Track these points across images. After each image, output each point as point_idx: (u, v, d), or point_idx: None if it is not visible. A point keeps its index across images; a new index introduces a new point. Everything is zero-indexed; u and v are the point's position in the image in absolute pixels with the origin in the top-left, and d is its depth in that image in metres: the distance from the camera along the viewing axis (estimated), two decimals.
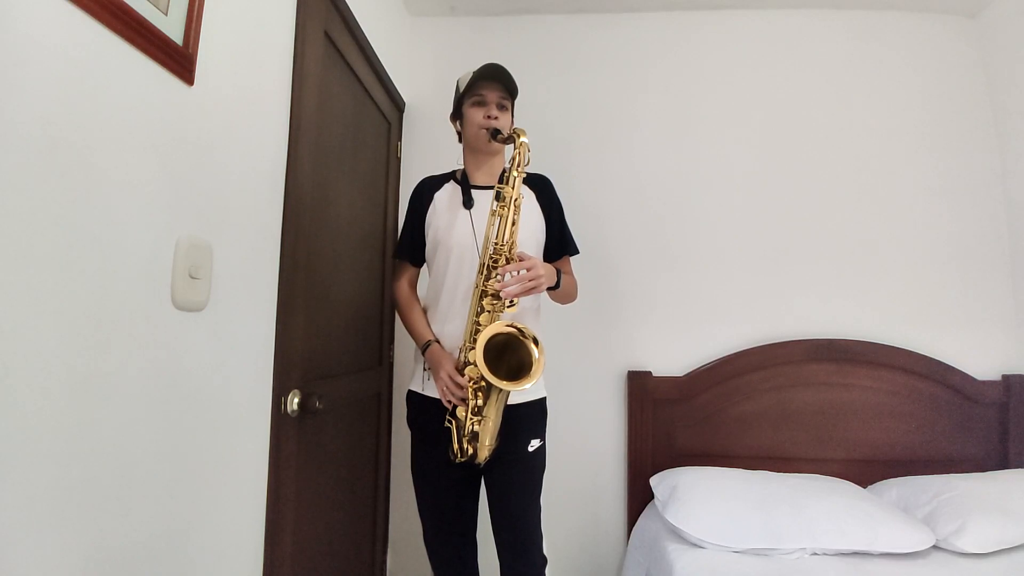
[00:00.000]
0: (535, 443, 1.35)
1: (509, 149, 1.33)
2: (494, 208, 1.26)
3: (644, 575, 1.65)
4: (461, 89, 1.39)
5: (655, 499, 1.79)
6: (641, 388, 1.98)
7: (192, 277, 0.86)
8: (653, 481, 1.85)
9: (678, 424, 1.97)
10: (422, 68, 2.19)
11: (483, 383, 1.20)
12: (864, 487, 1.81)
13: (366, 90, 1.71)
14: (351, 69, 1.57)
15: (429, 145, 2.13)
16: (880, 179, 2.07)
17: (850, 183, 2.07)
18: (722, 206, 2.09)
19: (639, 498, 1.93)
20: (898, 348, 1.96)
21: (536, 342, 1.20)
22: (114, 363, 0.72)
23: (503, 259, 1.23)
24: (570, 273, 1.48)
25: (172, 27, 0.81)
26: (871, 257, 2.04)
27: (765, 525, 1.50)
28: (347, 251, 1.56)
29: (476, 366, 1.16)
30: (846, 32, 2.14)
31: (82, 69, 0.66)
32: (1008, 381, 1.94)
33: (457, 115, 1.44)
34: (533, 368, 1.17)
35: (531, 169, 1.35)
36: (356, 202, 1.63)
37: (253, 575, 1.07)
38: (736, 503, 1.58)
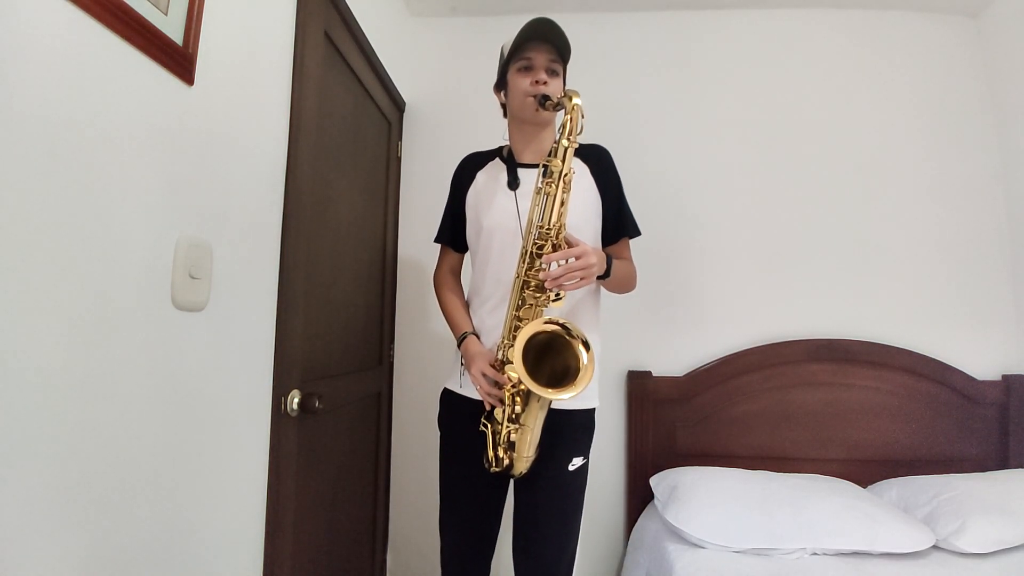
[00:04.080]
0: (577, 461, 1.17)
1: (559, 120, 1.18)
2: (539, 185, 1.09)
3: (644, 575, 1.65)
4: (505, 54, 1.22)
5: (655, 499, 1.79)
6: (641, 388, 1.98)
7: (192, 277, 0.86)
8: (653, 481, 1.85)
9: (678, 424, 1.97)
10: (422, 68, 2.19)
11: (523, 387, 1.05)
12: (864, 487, 1.81)
13: (366, 90, 1.71)
14: (351, 69, 1.57)
15: (429, 145, 2.13)
16: (880, 178, 2.07)
17: (850, 183, 2.07)
18: (722, 206, 2.09)
19: (639, 498, 1.93)
20: (898, 348, 1.96)
21: (587, 346, 1.04)
22: (114, 363, 0.72)
23: (549, 245, 1.06)
24: (629, 259, 1.32)
25: (172, 27, 0.81)
26: (871, 257, 2.04)
27: (765, 525, 1.50)
28: (347, 251, 1.56)
29: (513, 362, 1.02)
30: (846, 32, 2.14)
31: (82, 69, 0.66)
32: (1008, 381, 1.94)
33: (501, 84, 1.26)
34: (579, 375, 1.01)
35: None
36: (356, 202, 1.63)
37: (253, 575, 1.07)
38: (736, 503, 1.58)
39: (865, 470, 1.89)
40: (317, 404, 1.20)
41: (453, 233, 1.33)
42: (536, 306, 1.09)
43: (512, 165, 1.24)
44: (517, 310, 1.10)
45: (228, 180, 0.98)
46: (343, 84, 1.52)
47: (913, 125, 2.09)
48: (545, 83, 1.17)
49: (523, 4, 2.16)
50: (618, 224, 1.28)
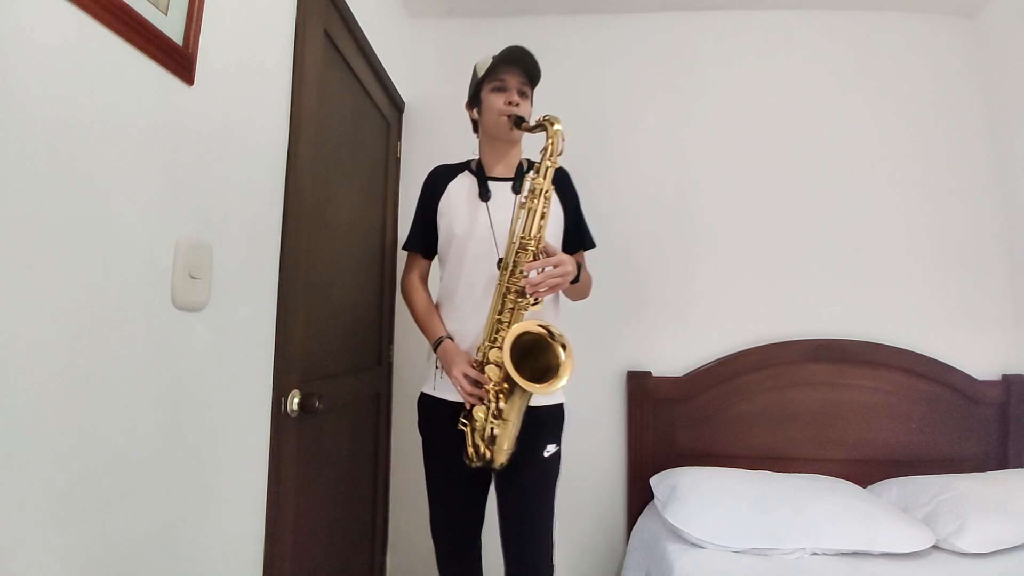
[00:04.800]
0: (551, 448, 1.29)
1: (530, 139, 1.28)
2: (523, 200, 1.20)
3: (644, 575, 1.65)
4: (479, 74, 1.32)
5: (655, 499, 1.79)
6: (641, 388, 1.98)
7: (192, 277, 0.86)
8: (653, 481, 1.85)
9: (678, 424, 1.97)
10: (421, 68, 2.19)
11: (506, 385, 1.14)
12: (864, 487, 1.81)
13: (365, 90, 1.71)
14: (351, 69, 1.57)
15: (428, 145, 2.13)
16: (879, 179, 2.07)
17: (849, 182, 2.08)
18: (721, 206, 2.09)
19: (639, 498, 1.93)
20: (898, 348, 1.96)
21: (564, 347, 1.15)
22: (114, 363, 0.72)
23: (529, 254, 1.17)
24: (585, 268, 1.41)
25: (172, 27, 0.81)
26: (870, 257, 2.04)
27: (765, 525, 1.50)
28: (347, 251, 1.56)
29: (498, 366, 1.13)
30: (845, 32, 2.14)
31: (82, 69, 0.66)
32: (1008, 381, 1.94)
33: (474, 102, 1.36)
34: (561, 370, 1.12)
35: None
36: (356, 202, 1.63)
37: (253, 575, 1.07)
38: (736, 503, 1.58)
39: (865, 470, 1.89)
40: (317, 404, 1.20)
41: (423, 241, 1.39)
42: (517, 310, 1.18)
43: (483, 178, 1.33)
44: (499, 314, 1.18)
45: (228, 180, 0.98)
46: (343, 84, 1.53)
47: (910, 125, 2.09)
48: (517, 104, 1.27)
49: (520, 6, 2.16)
50: (577, 236, 1.39)
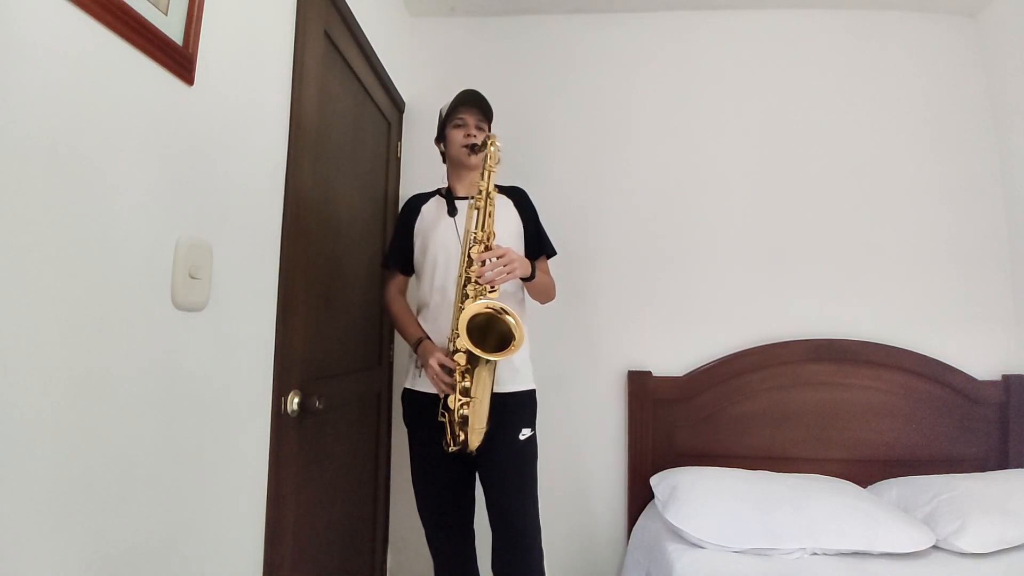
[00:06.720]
0: (526, 432, 1.40)
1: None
2: (471, 202, 1.39)
3: (644, 575, 1.65)
4: (443, 115, 1.55)
5: (655, 499, 1.79)
6: (641, 388, 1.98)
7: (192, 277, 0.86)
8: (653, 481, 1.85)
9: (678, 424, 1.97)
10: (422, 68, 2.19)
11: (468, 365, 1.27)
12: (864, 487, 1.81)
13: (366, 90, 1.71)
14: (351, 69, 1.57)
15: (429, 145, 2.11)
16: (880, 179, 2.07)
17: (850, 183, 2.07)
18: (722, 206, 2.09)
19: (639, 498, 1.93)
20: (898, 348, 1.96)
21: (509, 313, 1.28)
22: (114, 363, 0.72)
23: (482, 246, 1.33)
24: (547, 272, 1.59)
25: (172, 27, 0.81)
26: (871, 257, 2.04)
27: (765, 525, 1.50)
28: (347, 251, 1.56)
29: (462, 351, 1.25)
30: (846, 32, 2.14)
31: (82, 69, 0.66)
32: (1008, 381, 1.94)
33: (441, 138, 1.59)
34: (516, 338, 1.24)
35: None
36: (356, 202, 1.63)
37: (253, 575, 1.07)
38: (736, 503, 1.58)
39: (865, 470, 1.89)
40: (317, 404, 1.20)
41: (401, 258, 1.56)
42: (475, 298, 1.32)
43: (451, 199, 1.52)
44: (461, 303, 1.32)
45: (228, 180, 0.98)
46: (343, 84, 1.53)
47: (912, 125, 2.09)
48: (474, 136, 1.50)
49: (520, 5, 2.16)
50: (538, 245, 1.57)
